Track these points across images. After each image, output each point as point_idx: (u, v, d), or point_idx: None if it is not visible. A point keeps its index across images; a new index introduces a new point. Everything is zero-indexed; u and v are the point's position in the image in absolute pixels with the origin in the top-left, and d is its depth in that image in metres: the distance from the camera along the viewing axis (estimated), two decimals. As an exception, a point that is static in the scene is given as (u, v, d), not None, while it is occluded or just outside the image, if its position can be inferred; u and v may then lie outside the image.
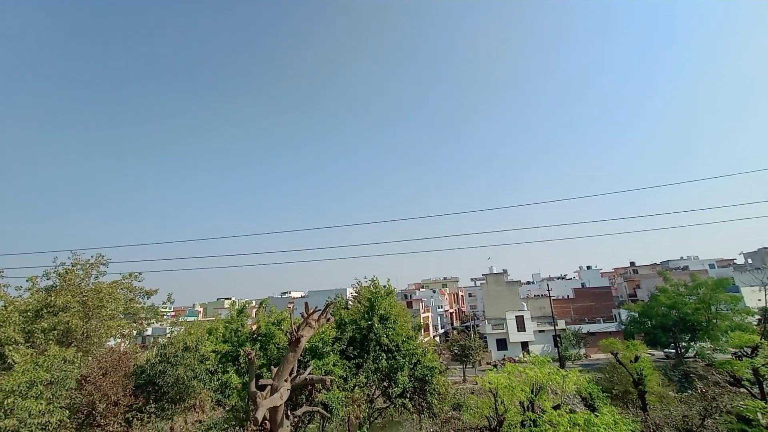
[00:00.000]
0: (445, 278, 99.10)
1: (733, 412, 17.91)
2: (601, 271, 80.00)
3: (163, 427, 15.68)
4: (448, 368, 26.15)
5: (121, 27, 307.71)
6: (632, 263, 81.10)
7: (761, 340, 20.12)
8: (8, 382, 10.42)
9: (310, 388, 12.55)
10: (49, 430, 10.91)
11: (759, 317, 37.36)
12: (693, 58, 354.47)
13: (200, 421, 16.49)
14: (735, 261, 71.10)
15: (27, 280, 17.08)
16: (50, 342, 14.38)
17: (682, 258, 75.25)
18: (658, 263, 76.77)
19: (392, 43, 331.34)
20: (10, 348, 13.50)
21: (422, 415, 19.97)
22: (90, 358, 14.33)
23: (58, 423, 11.31)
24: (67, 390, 11.87)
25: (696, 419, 17.11)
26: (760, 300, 40.63)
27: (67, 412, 11.65)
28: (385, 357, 19.10)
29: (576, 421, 11.21)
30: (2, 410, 10.06)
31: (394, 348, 19.51)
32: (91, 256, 18.75)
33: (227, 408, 17.08)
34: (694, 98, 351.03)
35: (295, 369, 11.10)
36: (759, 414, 14.93)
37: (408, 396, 19.01)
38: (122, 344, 18.33)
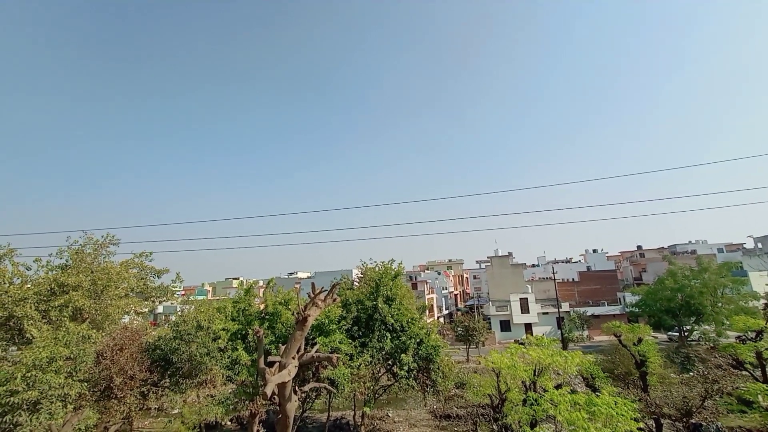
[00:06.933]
0: (450, 260, 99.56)
1: (734, 394, 18.09)
2: (607, 255, 79.74)
3: (177, 400, 16.30)
4: (451, 345, 26.59)
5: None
6: (639, 247, 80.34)
7: (766, 324, 20.07)
8: (29, 357, 10.87)
9: (316, 365, 12.91)
10: (68, 401, 11.43)
11: (765, 302, 37.17)
12: (712, 43, 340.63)
13: (212, 396, 17.10)
14: (744, 245, 70.24)
15: (34, 261, 17.46)
16: (64, 318, 14.83)
17: (690, 242, 74.38)
18: (665, 247, 76.00)
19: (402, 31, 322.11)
20: (29, 323, 14.00)
21: (426, 393, 20.49)
22: (102, 335, 14.76)
23: (77, 395, 11.84)
24: (84, 365, 12.36)
25: (696, 400, 17.33)
26: None
27: (86, 384, 12.17)
28: (389, 337, 19.45)
29: (577, 400, 11.43)
30: (25, 383, 10.55)
31: (399, 328, 19.83)
32: (102, 236, 19.07)
33: (237, 384, 17.69)
34: (708, 83, 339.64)
35: (302, 347, 11.41)
36: (760, 396, 15.11)
37: (412, 375, 19.46)
38: (134, 321, 18.81)
